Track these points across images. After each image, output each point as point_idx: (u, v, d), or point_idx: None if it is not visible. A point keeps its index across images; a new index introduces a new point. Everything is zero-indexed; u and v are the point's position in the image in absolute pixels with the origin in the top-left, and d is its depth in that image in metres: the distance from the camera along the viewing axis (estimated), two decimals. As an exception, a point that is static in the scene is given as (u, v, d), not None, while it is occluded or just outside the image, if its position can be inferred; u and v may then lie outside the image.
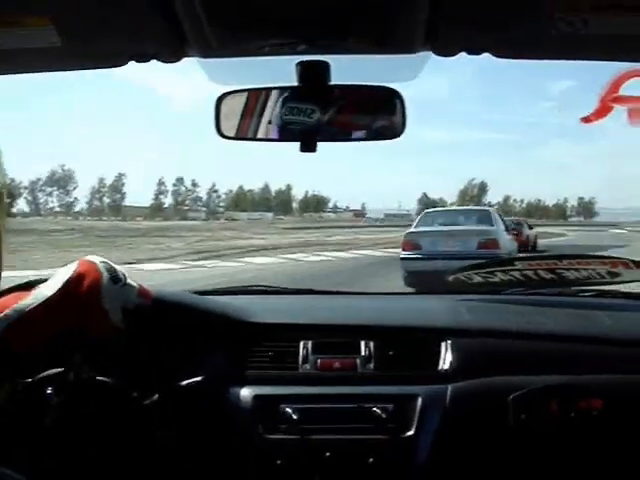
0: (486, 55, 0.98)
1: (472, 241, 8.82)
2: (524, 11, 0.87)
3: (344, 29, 0.93)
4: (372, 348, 1.42)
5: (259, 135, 1.16)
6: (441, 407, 1.32)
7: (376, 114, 1.14)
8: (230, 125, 1.16)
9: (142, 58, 1.00)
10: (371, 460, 1.26)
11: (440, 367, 1.40)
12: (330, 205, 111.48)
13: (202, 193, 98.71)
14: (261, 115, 1.14)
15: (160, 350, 1.22)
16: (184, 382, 1.27)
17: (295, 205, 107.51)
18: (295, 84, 1.06)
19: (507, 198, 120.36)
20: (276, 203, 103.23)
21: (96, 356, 1.21)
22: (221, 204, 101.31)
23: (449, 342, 1.42)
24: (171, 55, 1.00)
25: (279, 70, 1.10)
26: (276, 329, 1.48)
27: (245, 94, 1.15)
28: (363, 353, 1.41)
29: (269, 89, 1.13)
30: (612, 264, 1.81)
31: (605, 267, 1.80)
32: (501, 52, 0.99)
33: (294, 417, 1.31)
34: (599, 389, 1.34)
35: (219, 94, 1.15)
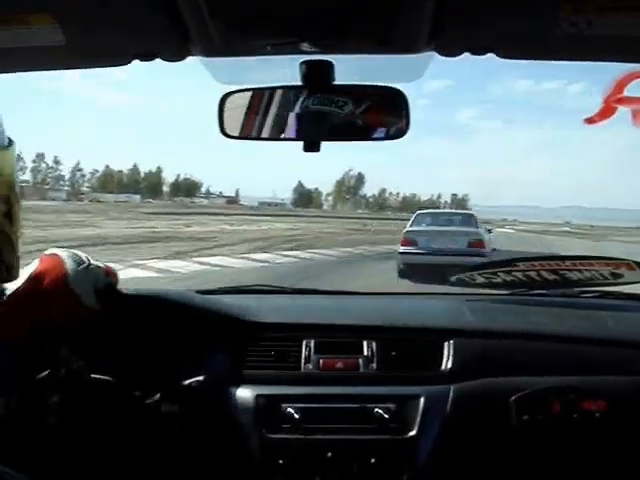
0: (490, 55, 0.98)
1: (462, 240, 10.11)
2: (528, 11, 0.87)
3: (347, 28, 0.93)
4: (374, 348, 1.42)
5: (263, 134, 1.16)
6: (443, 408, 1.32)
7: (380, 114, 1.14)
8: (234, 124, 1.16)
9: (145, 57, 1.00)
10: (373, 460, 1.26)
11: (442, 368, 1.39)
12: (203, 190, 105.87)
13: (65, 172, 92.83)
14: (265, 114, 1.14)
15: (162, 349, 1.22)
16: (186, 381, 1.27)
17: (166, 189, 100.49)
18: (299, 83, 1.06)
19: (383, 191, 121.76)
20: (145, 185, 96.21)
21: (83, 344, 1.23)
22: (86, 184, 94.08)
23: (451, 343, 1.42)
24: (174, 54, 1.00)
25: (283, 70, 1.10)
26: (278, 329, 1.48)
27: (249, 93, 1.15)
28: (365, 353, 1.41)
29: (273, 88, 1.13)
30: (615, 265, 1.81)
31: (608, 268, 1.80)
32: (505, 52, 0.99)
33: (296, 417, 1.31)
34: (602, 390, 1.34)
35: (223, 93, 1.15)
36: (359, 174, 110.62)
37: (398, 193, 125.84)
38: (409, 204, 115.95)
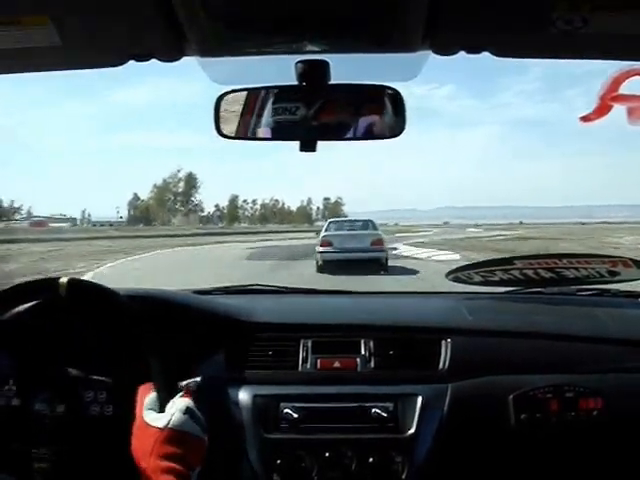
0: (486, 54, 0.98)
1: (367, 240, 13.00)
2: (524, 10, 0.87)
3: (343, 28, 0.93)
4: (372, 347, 1.42)
5: (259, 134, 1.16)
6: (441, 406, 1.32)
7: (376, 113, 1.14)
8: (230, 124, 1.16)
9: (141, 57, 1.00)
10: (371, 459, 1.26)
11: (440, 366, 1.40)
12: (23, 212, 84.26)
13: None
14: (261, 114, 1.14)
15: (160, 349, 1.21)
16: (184, 382, 1.27)
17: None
18: (295, 83, 1.06)
19: (235, 198, 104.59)
20: None
21: (81, 345, 1.24)
22: None
23: (449, 341, 1.42)
24: (170, 54, 1.00)
25: (279, 69, 1.10)
26: (276, 328, 1.48)
27: (244, 93, 1.15)
28: (363, 352, 1.41)
29: (269, 88, 1.13)
30: (612, 263, 1.81)
31: (605, 266, 1.80)
32: (500, 51, 0.99)
33: (294, 416, 1.31)
34: (599, 388, 1.34)
35: (219, 94, 1.15)
36: (189, 174, 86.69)
37: (255, 201, 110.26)
38: (271, 213, 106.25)
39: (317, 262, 12.99)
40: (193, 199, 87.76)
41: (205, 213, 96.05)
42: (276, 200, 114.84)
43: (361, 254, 12.54)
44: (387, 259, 13.18)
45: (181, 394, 1.08)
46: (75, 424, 1.16)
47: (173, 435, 0.97)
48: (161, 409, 1.04)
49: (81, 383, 1.20)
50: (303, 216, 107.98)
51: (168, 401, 1.06)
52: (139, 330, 1.19)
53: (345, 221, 16.15)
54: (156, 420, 1.00)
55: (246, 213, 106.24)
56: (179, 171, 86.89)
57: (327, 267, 12.36)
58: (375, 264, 12.37)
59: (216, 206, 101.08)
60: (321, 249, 13.01)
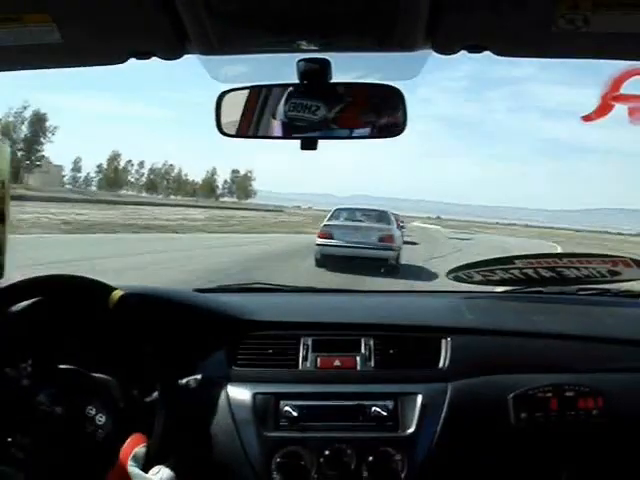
0: (487, 53, 0.98)
1: (374, 235, 11.14)
2: (525, 8, 0.87)
3: (345, 26, 0.93)
4: (372, 346, 1.42)
5: (260, 133, 1.16)
6: (441, 405, 1.32)
7: (377, 112, 1.14)
8: (231, 123, 1.16)
9: (142, 55, 1.00)
10: (371, 458, 1.27)
11: (440, 365, 1.40)
12: None
13: None
14: (262, 113, 1.14)
15: (160, 347, 1.22)
16: (184, 379, 1.27)
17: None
18: (296, 81, 1.06)
19: (116, 157, 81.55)
20: None
21: (82, 343, 1.25)
22: None
23: (449, 340, 1.42)
24: (172, 52, 1.00)
25: (280, 68, 1.10)
26: (276, 327, 1.48)
27: (246, 92, 1.15)
28: (363, 351, 1.41)
29: (270, 86, 1.13)
30: (613, 263, 1.81)
31: (606, 265, 1.80)
32: (502, 50, 0.99)
33: (294, 415, 1.31)
34: (599, 388, 1.34)
35: (220, 91, 1.15)
36: (36, 114, 56.80)
37: (142, 163, 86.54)
38: (168, 181, 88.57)
39: (316, 255, 11.41)
40: (39, 149, 59.31)
41: (70, 173, 77.44)
42: (170, 165, 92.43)
43: (365, 251, 10.83)
44: (399, 259, 11.46)
45: (169, 463, 1.10)
46: (65, 431, 1.17)
47: None
48: (146, 464, 1.06)
49: (85, 389, 1.20)
50: (207, 189, 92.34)
51: (156, 459, 1.07)
52: (140, 328, 1.19)
53: (357, 210, 13.43)
54: (139, 477, 1.03)
55: (130, 178, 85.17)
56: (25, 108, 57.77)
57: (327, 262, 10.84)
58: (382, 264, 10.67)
59: (98, 166, 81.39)
60: (320, 241, 11.32)
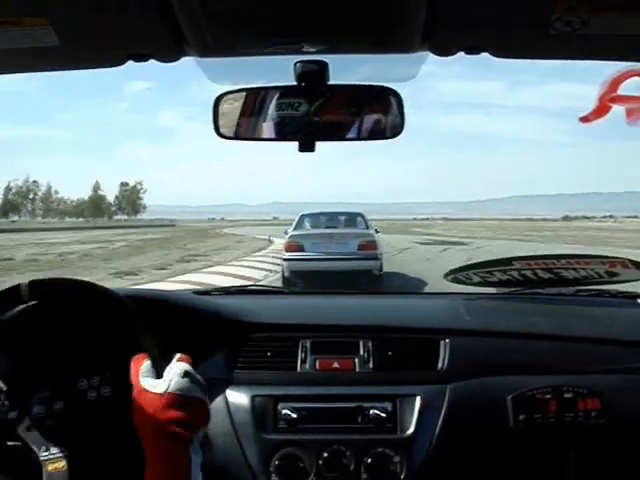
0: (485, 55, 0.98)
1: (352, 243, 9.40)
2: (523, 11, 0.87)
3: (342, 28, 0.93)
4: (371, 348, 1.42)
5: (257, 135, 1.16)
6: (440, 407, 1.32)
7: (375, 113, 1.14)
8: (228, 125, 1.16)
9: (140, 58, 1.00)
10: (370, 460, 1.26)
11: (439, 367, 1.40)
12: None
13: None
14: (259, 115, 1.14)
15: (159, 350, 1.22)
16: None
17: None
18: (294, 83, 1.06)
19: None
20: None
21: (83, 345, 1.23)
22: None
23: (448, 342, 1.42)
24: (169, 55, 1.00)
25: (277, 70, 1.10)
26: (275, 329, 1.48)
27: (243, 94, 1.15)
28: (362, 353, 1.41)
29: (267, 89, 1.13)
30: (610, 264, 1.81)
31: (603, 267, 1.80)
32: (499, 52, 0.99)
33: (293, 417, 1.31)
34: (598, 389, 1.34)
35: (217, 94, 1.15)
36: None
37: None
38: (32, 200, 77.92)
39: (283, 273, 9.61)
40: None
41: None
42: (34, 182, 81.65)
43: (344, 263, 9.07)
44: (381, 268, 9.64)
45: (177, 358, 1.07)
46: (75, 415, 1.16)
47: (174, 399, 0.96)
48: (158, 375, 1.03)
49: (75, 374, 1.20)
50: (92, 207, 79.50)
51: (164, 367, 1.05)
52: (138, 330, 1.19)
53: (322, 214, 11.52)
54: (155, 386, 0.99)
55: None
56: None
57: (296, 280, 9.07)
58: (364, 276, 9.04)
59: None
60: (287, 255, 9.49)
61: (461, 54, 0.97)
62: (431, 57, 1.00)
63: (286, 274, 9.41)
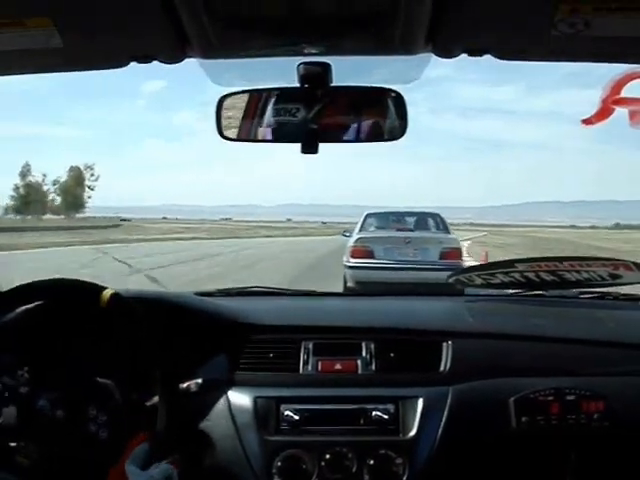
0: (487, 56, 0.98)
1: (434, 250, 7.75)
2: (526, 13, 0.87)
3: (345, 30, 0.93)
4: (373, 350, 1.41)
5: (260, 136, 1.16)
6: (442, 409, 1.32)
7: (378, 115, 1.14)
8: (231, 126, 1.16)
9: (143, 59, 1.00)
10: (372, 462, 1.26)
11: (441, 369, 1.39)
12: None
13: None
14: (262, 116, 1.14)
15: (160, 351, 1.22)
16: (184, 384, 1.27)
17: None
18: (297, 85, 1.06)
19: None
20: None
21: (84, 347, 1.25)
22: None
23: (450, 344, 1.42)
24: (172, 56, 1.00)
25: (281, 71, 1.10)
26: (277, 331, 1.48)
27: (246, 95, 1.15)
28: (364, 354, 1.41)
29: (270, 90, 1.13)
30: (613, 266, 1.80)
31: (606, 269, 1.80)
32: (502, 53, 0.99)
33: (295, 419, 1.30)
34: (601, 391, 1.34)
35: (220, 95, 1.15)
36: None
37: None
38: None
39: (345, 282, 7.92)
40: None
41: None
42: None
43: (423, 274, 7.12)
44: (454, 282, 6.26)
45: (171, 459, 1.09)
46: (68, 434, 1.17)
47: None
48: (145, 463, 1.06)
49: (87, 393, 1.20)
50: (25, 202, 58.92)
51: (155, 458, 1.07)
52: (141, 332, 1.19)
53: (392, 214, 9.47)
54: (135, 475, 1.03)
55: None
56: None
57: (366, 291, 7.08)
58: (445, 291, 4.59)
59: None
60: (353, 261, 7.81)
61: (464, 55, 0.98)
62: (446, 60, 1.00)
63: (350, 284, 7.74)
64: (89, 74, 1.07)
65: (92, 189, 64.72)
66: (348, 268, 7.88)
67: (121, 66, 1.05)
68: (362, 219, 8.95)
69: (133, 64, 1.03)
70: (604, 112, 1.61)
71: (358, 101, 1.14)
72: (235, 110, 1.15)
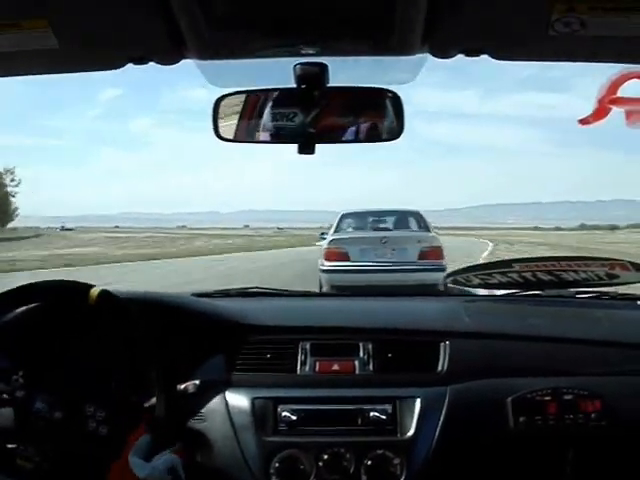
0: (485, 57, 0.98)
1: (412, 249, 7.31)
2: (522, 13, 0.87)
3: (341, 30, 0.93)
4: (370, 350, 1.41)
5: (257, 137, 1.16)
6: (440, 409, 1.32)
7: (374, 116, 1.14)
8: (228, 127, 1.16)
9: (140, 60, 1.00)
10: (370, 462, 1.26)
11: (439, 369, 1.39)
12: None
13: None
14: (259, 117, 1.14)
15: (158, 352, 1.22)
16: (182, 385, 1.27)
17: None
18: (293, 86, 1.06)
19: None
20: None
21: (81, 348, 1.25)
22: None
23: (448, 344, 1.42)
24: (169, 57, 1.00)
25: (277, 72, 1.10)
26: (274, 331, 1.48)
27: (243, 96, 1.15)
28: (361, 355, 1.41)
29: (267, 91, 1.13)
30: (610, 266, 1.81)
31: (603, 269, 1.80)
32: (499, 54, 0.99)
33: (292, 419, 1.30)
34: (598, 391, 1.34)
35: (217, 96, 1.15)
36: None
37: None
38: None
39: (320, 286, 7.47)
40: None
41: None
42: None
43: (402, 275, 6.83)
44: (447, 283, 5.06)
45: (174, 449, 1.09)
46: (68, 433, 1.17)
47: None
48: (148, 454, 1.05)
49: (84, 393, 1.20)
50: None
51: (158, 449, 1.07)
52: (139, 333, 1.19)
53: (368, 213, 8.91)
54: (139, 467, 1.02)
55: None
56: None
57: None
58: (426, 291, 5.78)
59: None
60: (328, 264, 7.40)
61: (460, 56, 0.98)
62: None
63: (325, 288, 7.24)
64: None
65: (13, 196, 57.16)
66: (323, 272, 7.49)
67: (117, 67, 1.04)
68: (337, 220, 8.55)
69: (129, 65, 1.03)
70: (601, 112, 1.61)
71: (355, 102, 1.14)
72: (231, 111, 1.15)
